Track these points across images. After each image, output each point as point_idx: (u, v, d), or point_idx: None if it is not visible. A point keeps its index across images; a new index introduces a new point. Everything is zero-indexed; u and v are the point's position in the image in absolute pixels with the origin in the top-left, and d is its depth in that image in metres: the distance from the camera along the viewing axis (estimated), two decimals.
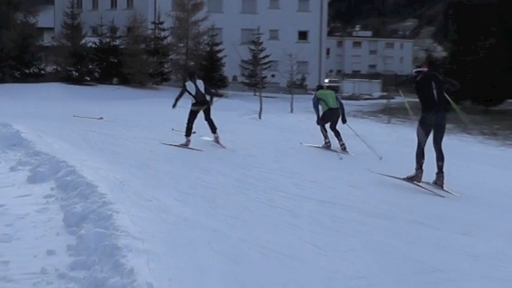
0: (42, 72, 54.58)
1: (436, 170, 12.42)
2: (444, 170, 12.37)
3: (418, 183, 12.51)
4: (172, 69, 59.58)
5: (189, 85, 17.34)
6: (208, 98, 17.49)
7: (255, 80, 59.76)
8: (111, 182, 9.60)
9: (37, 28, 59.38)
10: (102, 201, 7.78)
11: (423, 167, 12.53)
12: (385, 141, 21.71)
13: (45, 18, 67.36)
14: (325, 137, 18.27)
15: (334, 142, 18.00)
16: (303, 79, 68.64)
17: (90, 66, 55.72)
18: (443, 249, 7.82)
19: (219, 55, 59.86)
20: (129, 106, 23.57)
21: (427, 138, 12.48)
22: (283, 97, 52.55)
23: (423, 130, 12.41)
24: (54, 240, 6.77)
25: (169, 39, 59.73)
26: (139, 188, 9.65)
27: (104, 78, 55.44)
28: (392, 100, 46.20)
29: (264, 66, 57.72)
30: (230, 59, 56.69)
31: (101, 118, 22.47)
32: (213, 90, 18.35)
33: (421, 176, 12.59)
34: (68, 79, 52.46)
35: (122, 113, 24.38)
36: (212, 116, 17.47)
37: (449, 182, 12.22)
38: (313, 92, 19.71)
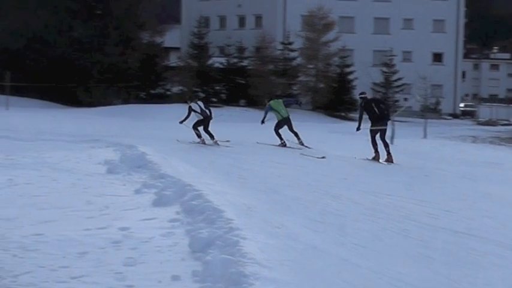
0: (168, 93, 55.44)
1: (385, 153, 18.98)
2: (390, 151, 19.17)
3: (379, 161, 19.09)
4: (301, 91, 59.42)
5: (194, 105, 21.69)
6: (208, 112, 21.80)
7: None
8: (238, 207, 9.57)
9: (163, 48, 60.78)
10: (228, 227, 7.74)
11: (378, 150, 19.11)
12: None
13: (172, 38, 68.36)
14: (281, 138, 22.29)
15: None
16: (437, 103, 67.17)
17: (217, 87, 56.26)
18: None
19: (350, 77, 59.51)
20: (257, 129, 23.62)
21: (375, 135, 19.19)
22: (416, 121, 51.56)
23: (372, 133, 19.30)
24: (180, 265, 6.76)
25: (298, 60, 59.73)
26: (266, 214, 9.57)
27: (231, 100, 55.77)
28: None
29: (397, 89, 56.93)
30: (361, 81, 56.34)
31: (228, 141, 22.52)
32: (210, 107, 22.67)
33: (379, 155, 19.20)
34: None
35: (249, 136, 24.42)
36: (210, 128, 21.79)
37: None
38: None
